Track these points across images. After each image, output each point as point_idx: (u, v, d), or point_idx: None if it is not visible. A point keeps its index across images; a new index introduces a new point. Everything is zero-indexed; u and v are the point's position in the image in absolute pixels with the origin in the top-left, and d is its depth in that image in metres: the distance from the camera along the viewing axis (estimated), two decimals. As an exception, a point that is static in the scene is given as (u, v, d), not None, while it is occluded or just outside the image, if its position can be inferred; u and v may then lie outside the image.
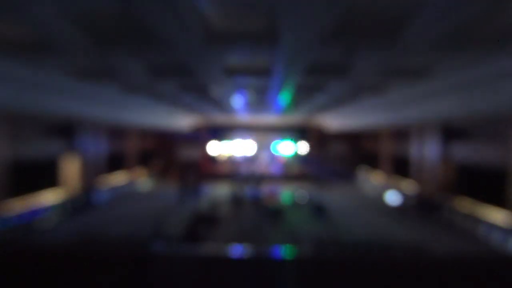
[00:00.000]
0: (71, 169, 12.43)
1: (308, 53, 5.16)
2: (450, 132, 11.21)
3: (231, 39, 4.54)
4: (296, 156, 22.54)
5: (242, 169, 21.39)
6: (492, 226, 8.65)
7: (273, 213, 11.32)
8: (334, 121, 18.26)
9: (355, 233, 9.66)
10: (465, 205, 10.25)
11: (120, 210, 12.55)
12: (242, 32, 4.33)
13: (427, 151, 12.24)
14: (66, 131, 12.07)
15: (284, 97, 10.31)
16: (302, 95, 9.84)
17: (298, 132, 22.26)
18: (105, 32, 4.28)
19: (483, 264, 2.29)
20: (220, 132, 22.32)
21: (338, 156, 22.19)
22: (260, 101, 11.33)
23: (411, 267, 2.26)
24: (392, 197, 14.06)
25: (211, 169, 21.92)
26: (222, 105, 12.71)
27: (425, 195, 12.07)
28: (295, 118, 18.70)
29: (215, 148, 22.43)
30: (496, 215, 8.74)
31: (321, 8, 3.37)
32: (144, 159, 19.71)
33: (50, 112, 8.54)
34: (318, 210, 11.71)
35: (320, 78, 7.26)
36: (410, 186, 13.58)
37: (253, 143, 22.72)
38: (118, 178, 16.14)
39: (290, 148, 22.59)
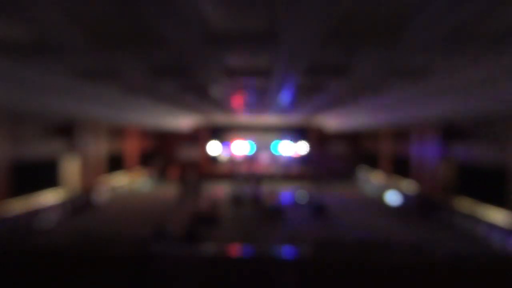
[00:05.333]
0: (71, 169, 12.43)
1: (308, 53, 5.16)
2: (450, 132, 11.21)
3: (231, 39, 4.54)
4: (296, 156, 22.51)
5: (242, 169, 21.38)
6: (492, 226, 8.65)
7: (273, 213, 11.32)
8: (334, 121, 18.25)
9: (355, 233, 9.65)
10: (465, 205, 10.24)
11: (120, 210, 12.55)
12: (242, 32, 4.33)
13: (427, 151, 12.24)
14: (66, 131, 12.08)
15: (284, 97, 10.30)
16: (302, 95, 9.83)
17: (298, 132, 22.24)
18: (106, 32, 4.28)
19: (483, 264, 2.29)
20: (220, 132, 22.31)
21: (338, 156, 22.18)
22: (260, 101, 11.32)
23: (411, 267, 2.26)
24: (392, 197, 14.05)
25: (211, 169, 21.92)
26: (222, 105, 12.70)
27: (425, 195, 12.06)
28: (295, 118, 18.68)
29: (215, 148, 22.43)
30: (496, 215, 8.74)
31: (321, 8, 3.37)
32: (144, 159, 19.71)
33: (50, 112, 8.54)
34: (318, 210, 11.70)
35: (320, 78, 7.26)
36: (410, 186, 13.57)
37: (253, 143, 22.69)
38: (118, 178, 16.14)
39: (290, 148, 22.57)
